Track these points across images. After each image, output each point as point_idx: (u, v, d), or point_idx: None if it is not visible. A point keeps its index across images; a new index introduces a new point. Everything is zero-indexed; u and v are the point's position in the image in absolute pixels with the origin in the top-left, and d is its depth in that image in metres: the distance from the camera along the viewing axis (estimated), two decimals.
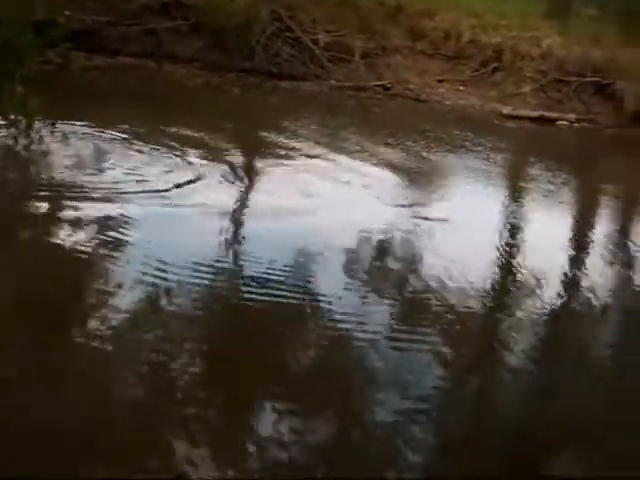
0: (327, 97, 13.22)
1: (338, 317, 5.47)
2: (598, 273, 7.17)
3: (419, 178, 9.25)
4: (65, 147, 8.13)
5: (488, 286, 6.51)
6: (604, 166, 12.15)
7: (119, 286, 5.42)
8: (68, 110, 8.84)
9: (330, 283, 6.02)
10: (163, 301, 5.32)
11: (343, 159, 9.40)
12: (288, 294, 5.71)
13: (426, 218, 7.84)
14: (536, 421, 4.75)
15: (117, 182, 7.34)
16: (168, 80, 12.61)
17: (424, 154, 10.36)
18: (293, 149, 9.56)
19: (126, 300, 5.25)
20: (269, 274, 5.93)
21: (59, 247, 5.98)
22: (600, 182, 11.10)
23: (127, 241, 6.15)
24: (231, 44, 13.20)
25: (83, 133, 8.67)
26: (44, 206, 6.68)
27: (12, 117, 7.58)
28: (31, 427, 3.85)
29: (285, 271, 6.07)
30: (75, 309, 5.17)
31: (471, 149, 11.25)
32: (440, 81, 14.51)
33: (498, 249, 7.48)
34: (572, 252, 7.80)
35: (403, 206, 8.14)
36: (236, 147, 9.39)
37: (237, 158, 8.90)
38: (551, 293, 6.50)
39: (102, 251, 5.94)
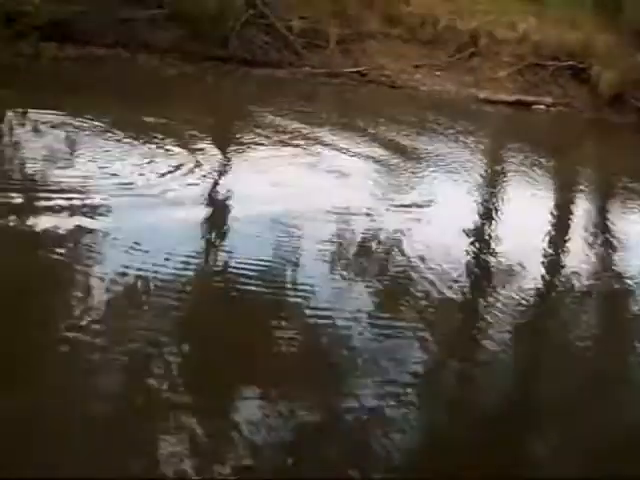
0: (301, 84, 13.14)
1: (316, 305, 5.42)
2: (576, 255, 7.16)
3: (393, 164, 9.19)
4: (36, 137, 8.03)
5: (465, 271, 6.47)
6: (580, 149, 12.16)
7: (91, 277, 5.35)
8: (39, 100, 8.73)
9: (306, 272, 5.97)
10: (136, 291, 5.25)
11: (316, 147, 9.33)
12: (262, 283, 5.65)
13: (401, 204, 7.79)
14: (517, 404, 4.73)
15: (88, 172, 7.24)
16: (142, 70, 12.49)
17: (398, 140, 10.29)
18: (266, 137, 9.49)
19: (100, 290, 5.17)
20: (243, 264, 5.86)
21: (32, 236, 5.89)
22: (576, 165, 11.12)
23: (98, 230, 6.06)
24: (205, 32, 13.08)
25: (54, 123, 8.56)
26: (16, 196, 6.58)
27: None
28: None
29: (259, 261, 5.99)
30: (48, 299, 5.09)
31: (444, 133, 11.21)
32: (416, 67, 14.46)
33: (475, 233, 7.45)
34: (549, 235, 7.78)
35: (377, 193, 8.07)
36: (209, 136, 9.29)
37: (210, 147, 8.79)
38: (528, 276, 6.47)
39: (75, 241, 5.85)
